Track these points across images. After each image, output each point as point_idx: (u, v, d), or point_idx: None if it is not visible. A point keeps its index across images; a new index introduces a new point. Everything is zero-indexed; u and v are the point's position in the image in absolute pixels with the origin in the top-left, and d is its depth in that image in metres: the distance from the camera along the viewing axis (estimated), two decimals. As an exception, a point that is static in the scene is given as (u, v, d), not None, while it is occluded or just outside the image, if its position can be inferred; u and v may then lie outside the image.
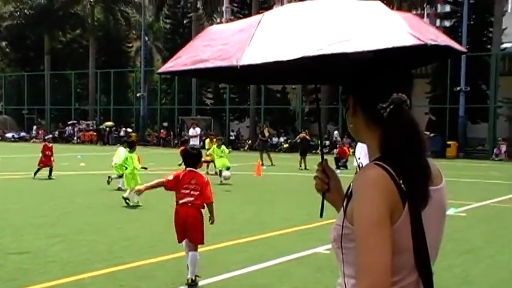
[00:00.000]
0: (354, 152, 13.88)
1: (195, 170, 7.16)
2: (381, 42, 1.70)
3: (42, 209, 12.66)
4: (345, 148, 28.46)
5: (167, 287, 6.83)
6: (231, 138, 47.90)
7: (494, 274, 7.68)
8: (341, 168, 25.51)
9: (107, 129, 52.46)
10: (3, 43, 66.27)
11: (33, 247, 8.72)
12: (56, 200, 14.13)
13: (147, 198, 14.04)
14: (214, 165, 19.84)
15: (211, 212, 7.14)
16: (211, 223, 7.16)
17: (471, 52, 35.61)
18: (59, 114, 60.00)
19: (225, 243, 9.25)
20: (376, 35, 1.72)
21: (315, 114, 49.64)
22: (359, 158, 9.42)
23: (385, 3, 1.92)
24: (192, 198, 6.94)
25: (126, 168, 14.37)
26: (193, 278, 6.83)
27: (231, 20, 56.15)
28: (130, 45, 65.70)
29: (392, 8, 1.95)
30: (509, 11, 54.65)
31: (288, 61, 1.73)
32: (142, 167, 14.81)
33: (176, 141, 47.83)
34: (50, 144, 20.00)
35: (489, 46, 43.13)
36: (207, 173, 19.48)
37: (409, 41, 1.70)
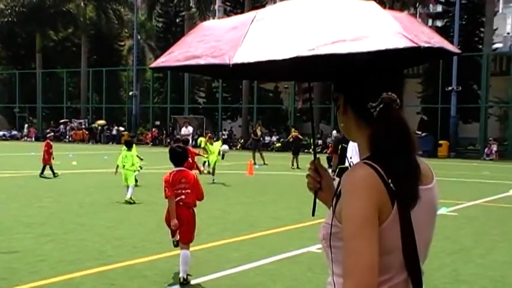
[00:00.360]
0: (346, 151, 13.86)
1: (182, 168, 7.20)
2: (373, 44, 1.69)
3: (32, 207, 12.60)
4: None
5: (158, 286, 6.81)
6: (223, 137, 47.85)
7: (485, 274, 7.69)
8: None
9: (99, 128, 52.38)
10: (-6, 41, 66.06)
11: (23, 246, 8.67)
12: (46, 198, 14.06)
13: (138, 197, 14.02)
14: (209, 164, 19.82)
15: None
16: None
17: (463, 52, 35.69)
18: (51, 112, 59.81)
19: (217, 242, 9.23)
20: (369, 36, 1.71)
21: (307, 113, 49.75)
22: (350, 157, 9.42)
23: (377, 3, 1.90)
24: (183, 197, 6.98)
25: (124, 166, 14.56)
26: (185, 277, 6.83)
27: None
28: (122, 43, 65.57)
29: (384, 8, 1.93)
30: (500, 11, 54.99)
31: (280, 60, 1.72)
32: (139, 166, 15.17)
33: (168, 140, 47.77)
34: (51, 143, 20.12)
35: (480, 46, 43.32)
36: (208, 172, 19.30)
37: (402, 43, 1.69)
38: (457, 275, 7.55)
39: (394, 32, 1.73)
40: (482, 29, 44.39)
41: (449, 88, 38.86)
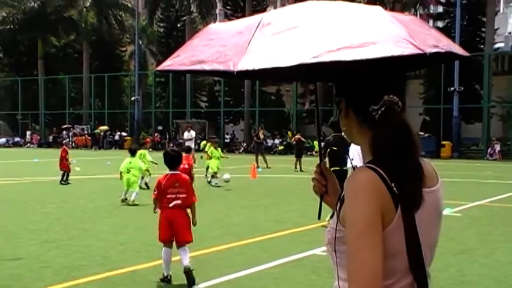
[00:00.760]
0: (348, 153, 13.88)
1: (177, 172, 7.35)
2: (378, 51, 1.68)
3: (36, 214, 12.60)
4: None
5: (162, 291, 6.80)
6: (226, 141, 47.93)
7: (490, 274, 7.68)
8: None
9: (102, 133, 52.44)
10: (-4, 48, 66.22)
11: (27, 253, 8.67)
12: (50, 204, 14.07)
13: (141, 201, 14.03)
14: (207, 168, 19.81)
15: (193, 212, 7.30)
16: (194, 225, 7.28)
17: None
18: (53, 119, 59.90)
19: (220, 246, 9.23)
20: (375, 43, 1.71)
21: (310, 115, 49.79)
22: (352, 159, 9.42)
23: (378, 4, 1.89)
24: (180, 202, 7.13)
25: (129, 171, 14.79)
26: (189, 266, 6.96)
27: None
28: (124, 49, 65.64)
29: (385, 9, 1.92)
30: (501, 11, 54.95)
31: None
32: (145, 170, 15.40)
33: (171, 145, 47.78)
34: (67, 149, 20.12)
35: (482, 46, 43.30)
36: (208, 182, 19.18)
37: (407, 49, 1.69)
38: (462, 276, 7.53)
39: (400, 38, 1.72)
40: (483, 29, 44.40)
41: (452, 89, 38.82)
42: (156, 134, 50.66)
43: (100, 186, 18.49)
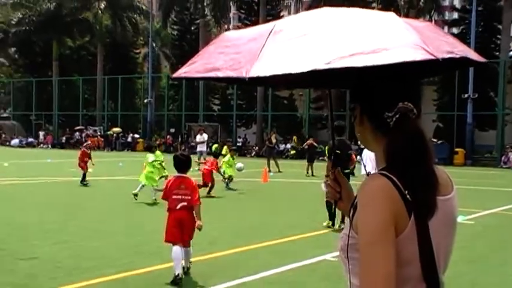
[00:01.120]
0: (361, 159, 13.92)
1: (184, 175, 7.65)
2: (391, 57, 1.69)
3: (50, 214, 12.70)
4: (352, 155, 28.34)
5: (175, 293, 6.85)
6: (238, 144, 47.92)
7: (503, 283, 7.66)
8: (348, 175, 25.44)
9: (114, 135, 52.61)
10: (12, 49, 66.63)
11: (42, 253, 8.75)
12: (63, 205, 14.17)
13: (153, 201, 14.10)
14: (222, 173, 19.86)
15: (198, 215, 7.52)
16: (199, 229, 7.49)
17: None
18: (67, 120, 60.16)
19: (232, 250, 9.25)
20: (387, 49, 1.71)
21: (322, 120, 49.70)
22: (365, 165, 9.45)
23: (392, 10, 1.92)
24: (186, 203, 7.41)
25: (154, 165, 15.28)
26: (189, 266, 7.57)
27: (238, 27, 56.46)
28: (137, 51, 65.89)
29: (400, 16, 1.94)
30: (517, 18, 54.43)
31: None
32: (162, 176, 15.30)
33: (183, 148, 47.88)
34: (88, 151, 20.03)
35: (497, 53, 43.06)
36: (227, 185, 19.15)
37: (419, 55, 1.69)
38: (474, 285, 7.51)
39: (413, 44, 1.73)
40: (499, 36, 44.15)
41: (466, 95, 38.59)
42: (168, 137, 50.75)
43: (113, 188, 18.61)
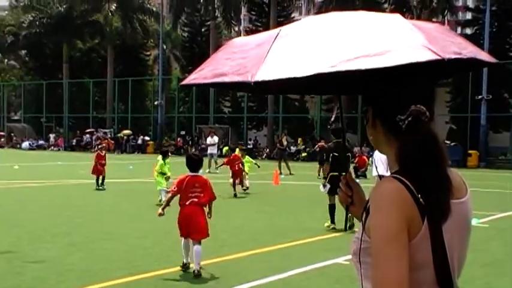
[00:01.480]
0: (373, 162, 13.92)
1: (197, 174, 8.06)
2: (396, 58, 1.69)
3: (60, 216, 12.76)
4: (364, 157, 28.34)
5: (185, 296, 6.83)
6: (248, 146, 47.93)
7: (518, 286, 7.58)
8: (360, 177, 25.43)
9: (125, 137, 52.79)
10: (22, 52, 67.11)
11: (51, 256, 8.78)
12: (73, 208, 14.23)
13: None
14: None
15: (210, 208, 8.00)
16: (210, 218, 7.94)
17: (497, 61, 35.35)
18: (77, 122, 60.53)
19: (243, 253, 9.24)
20: (392, 50, 1.72)
21: (335, 123, 49.57)
22: (377, 167, 9.42)
23: (405, 11, 1.90)
24: (196, 199, 7.79)
25: (162, 173, 15.24)
26: (199, 269, 7.57)
27: (249, 28, 56.54)
28: (148, 53, 66.20)
29: (412, 17, 1.93)
30: (531, 18, 54.14)
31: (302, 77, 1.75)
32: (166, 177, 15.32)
33: (193, 150, 47.95)
34: (104, 153, 19.83)
35: (511, 54, 42.81)
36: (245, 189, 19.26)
37: (425, 56, 1.69)
38: (489, 288, 7.45)
39: (418, 44, 1.73)
40: (513, 36, 43.92)
41: (479, 97, 38.38)
42: (178, 139, 50.90)
43: (123, 190, 18.65)
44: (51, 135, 58.04)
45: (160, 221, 12.29)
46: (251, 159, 20.56)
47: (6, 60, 72.15)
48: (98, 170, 18.97)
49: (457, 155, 35.89)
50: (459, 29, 48.54)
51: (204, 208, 7.91)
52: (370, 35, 1.80)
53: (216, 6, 54.27)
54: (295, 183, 23.09)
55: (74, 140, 56.32)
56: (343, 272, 7.84)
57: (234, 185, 17.97)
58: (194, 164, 8.14)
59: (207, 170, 27.11)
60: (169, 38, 60.50)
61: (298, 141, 44.00)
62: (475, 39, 41.15)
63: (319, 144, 27.72)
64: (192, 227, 7.70)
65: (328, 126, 13.15)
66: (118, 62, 60.43)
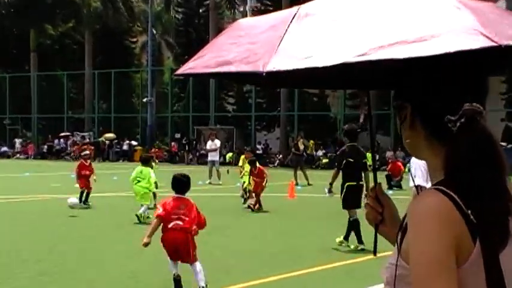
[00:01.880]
0: (410, 169, 13.92)
1: (183, 196, 8.50)
2: (441, 45, 1.65)
3: (28, 239, 12.76)
4: (399, 163, 28.25)
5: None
6: (257, 152, 47.88)
7: None
8: (394, 188, 25.34)
9: (107, 142, 52.84)
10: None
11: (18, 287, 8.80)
12: (44, 228, 14.25)
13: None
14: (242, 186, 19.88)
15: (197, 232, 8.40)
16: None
17: None
18: (48, 124, 60.44)
19: (254, 281, 9.23)
20: (436, 36, 1.68)
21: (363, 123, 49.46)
22: (415, 176, 9.34)
23: None
24: (180, 223, 8.14)
25: (139, 181, 15.29)
26: (205, 285, 8.04)
27: (257, 8, 56.48)
28: (134, 40, 66.24)
29: None
30: None
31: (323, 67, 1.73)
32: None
33: (191, 157, 48.00)
34: (88, 162, 19.62)
35: None
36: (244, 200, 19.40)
37: (477, 42, 1.65)
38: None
39: (469, 28, 1.69)
40: None
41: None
42: (173, 144, 50.93)
43: (105, 206, 18.67)
44: (17, 141, 57.85)
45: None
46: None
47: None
48: (85, 182, 18.67)
49: (513, 159, 35.72)
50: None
51: (192, 233, 8.23)
52: (409, 17, 1.78)
53: (216, -19, 54.39)
54: (314, 195, 23.04)
55: (45, 146, 56.28)
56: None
57: (249, 196, 18.19)
58: (182, 186, 8.64)
59: (208, 181, 27.11)
60: (159, 21, 60.60)
61: (310, 144, 43.70)
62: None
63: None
64: (183, 255, 8.20)
65: (343, 127, 13.27)
66: (98, 50, 60.40)
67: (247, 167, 19.50)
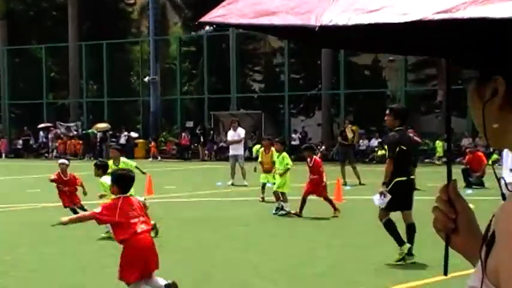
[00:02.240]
0: (494, 162, 13.79)
1: (128, 195, 9.30)
2: None
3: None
4: (479, 154, 28.00)
5: None
6: (292, 142, 47.84)
7: None
8: (473, 187, 25.18)
9: (99, 134, 53.07)
10: None
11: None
12: (17, 248, 14.33)
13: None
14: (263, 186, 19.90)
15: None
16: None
17: None
18: (23, 112, 60.91)
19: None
20: None
21: (432, 101, 49.23)
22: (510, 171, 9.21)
23: None
24: (144, 226, 8.98)
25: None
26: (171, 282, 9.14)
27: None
28: (131, 1, 66.37)
29: None
30: None
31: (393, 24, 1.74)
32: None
33: (206, 152, 48.01)
34: (68, 175, 17.97)
35: None
36: (262, 199, 19.45)
37: None
38: None
39: None
40: None
41: None
42: (183, 135, 50.93)
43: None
44: (-16, 135, 58.33)
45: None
46: (288, 159, 20.02)
47: None
48: (69, 199, 17.78)
49: None
50: None
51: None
52: None
53: None
54: (367, 198, 22.94)
55: (20, 141, 56.51)
56: None
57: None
58: (130, 183, 9.43)
59: (230, 182, 27.11)
60: (163, -24, 60.75)
61: (352, 129, 43.67)
62: None
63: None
64: (155, 258, 9.00)
65: (391, 106, 13.33)
66: (85, 16, 60.68)
67: (279, 163, 19.41)
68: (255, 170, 23.45)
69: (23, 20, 62.04)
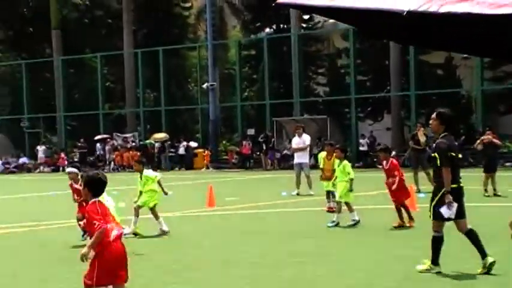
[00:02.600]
0: None
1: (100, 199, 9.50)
2: None
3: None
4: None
5: None
6: (360, 148, 47.73)
7: None
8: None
9: (157, 144, 53.47)
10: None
11: None
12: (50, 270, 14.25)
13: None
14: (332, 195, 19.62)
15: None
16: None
17: None
18: (79, 124, 61.56)
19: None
20: None
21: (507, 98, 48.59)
22: None
23: None
24: (118, 232, 9.12)
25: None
26: None
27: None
28: (187, 5, 66.84)
29: None
30: None
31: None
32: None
33: (269, 161, 47.99)
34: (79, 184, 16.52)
35: None
36: (330, 208, 19.18)
37: None
38: None
39: None
40: None
41: None
42: (244, 143, 51.11)
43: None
44: (40, 148, 58.84)
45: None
46: (349, 168, 19.65)
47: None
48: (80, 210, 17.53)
49: None
50: None
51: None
52: None
53: None
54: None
55: (77, 154, 56.88)
56: None
57: (400, 213, 18.17)
58: (103, 186, 9.50)
59: (295, 191, 26.96)
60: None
61: (425, 133, 43.14)
62: None
63: (484, 138, 27.01)
64: (125, 265, 9.08)
65: (439, 110, 13.27)
66: (140, 22, 61.24)
67: (339, 172, 19.04)
68: (320, 178, 23.33)
69: (76, 29, 62.59)
